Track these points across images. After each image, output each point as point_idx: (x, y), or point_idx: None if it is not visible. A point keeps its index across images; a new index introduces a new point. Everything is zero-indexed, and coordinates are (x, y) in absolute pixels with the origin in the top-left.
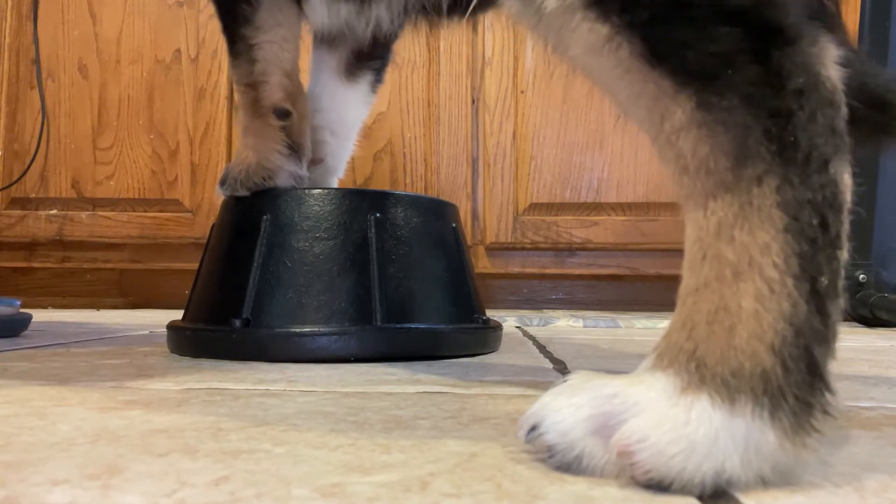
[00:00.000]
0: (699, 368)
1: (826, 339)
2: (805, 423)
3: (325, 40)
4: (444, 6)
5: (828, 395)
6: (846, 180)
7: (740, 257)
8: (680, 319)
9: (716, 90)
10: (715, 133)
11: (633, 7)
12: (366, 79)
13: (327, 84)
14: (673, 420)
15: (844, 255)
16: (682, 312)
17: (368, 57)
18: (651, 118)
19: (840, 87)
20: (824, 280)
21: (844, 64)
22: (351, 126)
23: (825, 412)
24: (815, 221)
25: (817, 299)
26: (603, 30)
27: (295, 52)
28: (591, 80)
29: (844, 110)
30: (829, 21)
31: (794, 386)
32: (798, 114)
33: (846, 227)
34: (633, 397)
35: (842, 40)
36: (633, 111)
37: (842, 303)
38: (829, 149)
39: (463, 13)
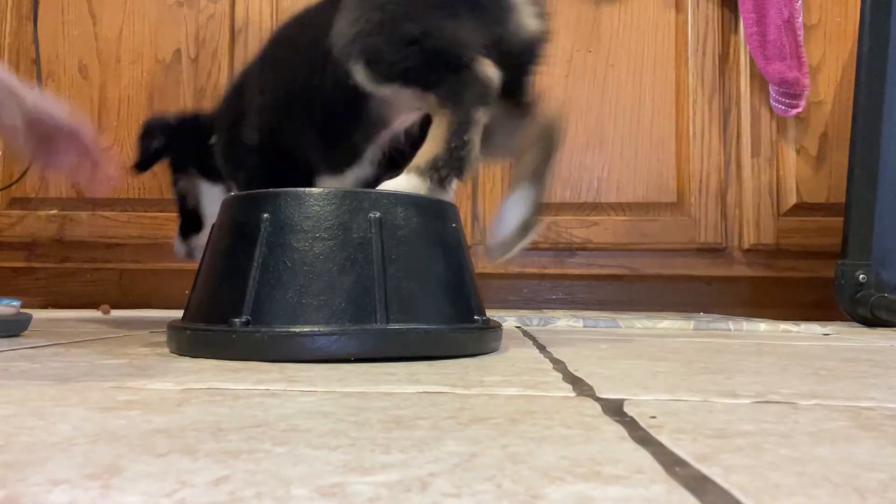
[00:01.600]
0: (414, 167)
1: (451, 164)
2: (440, 183)
3: None
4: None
5: (450, 179)
6: (481, 113)
7: (436, 135)
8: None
9: (428, 88)
10: (427, 98)
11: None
12: None
13: None
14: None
15: (471, 131)
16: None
17: None
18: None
19: (494, 77)
20: (455, 143)
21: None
22: None
23: (451, 177)
24: (460, 120)
25: (452, 150)
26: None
27: None
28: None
29: (494, 86)
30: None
31: (434, 171)
32: (456, 87)
33: (475, 119)
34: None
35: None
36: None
37: (467, 153)
38: (474, 101)
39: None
